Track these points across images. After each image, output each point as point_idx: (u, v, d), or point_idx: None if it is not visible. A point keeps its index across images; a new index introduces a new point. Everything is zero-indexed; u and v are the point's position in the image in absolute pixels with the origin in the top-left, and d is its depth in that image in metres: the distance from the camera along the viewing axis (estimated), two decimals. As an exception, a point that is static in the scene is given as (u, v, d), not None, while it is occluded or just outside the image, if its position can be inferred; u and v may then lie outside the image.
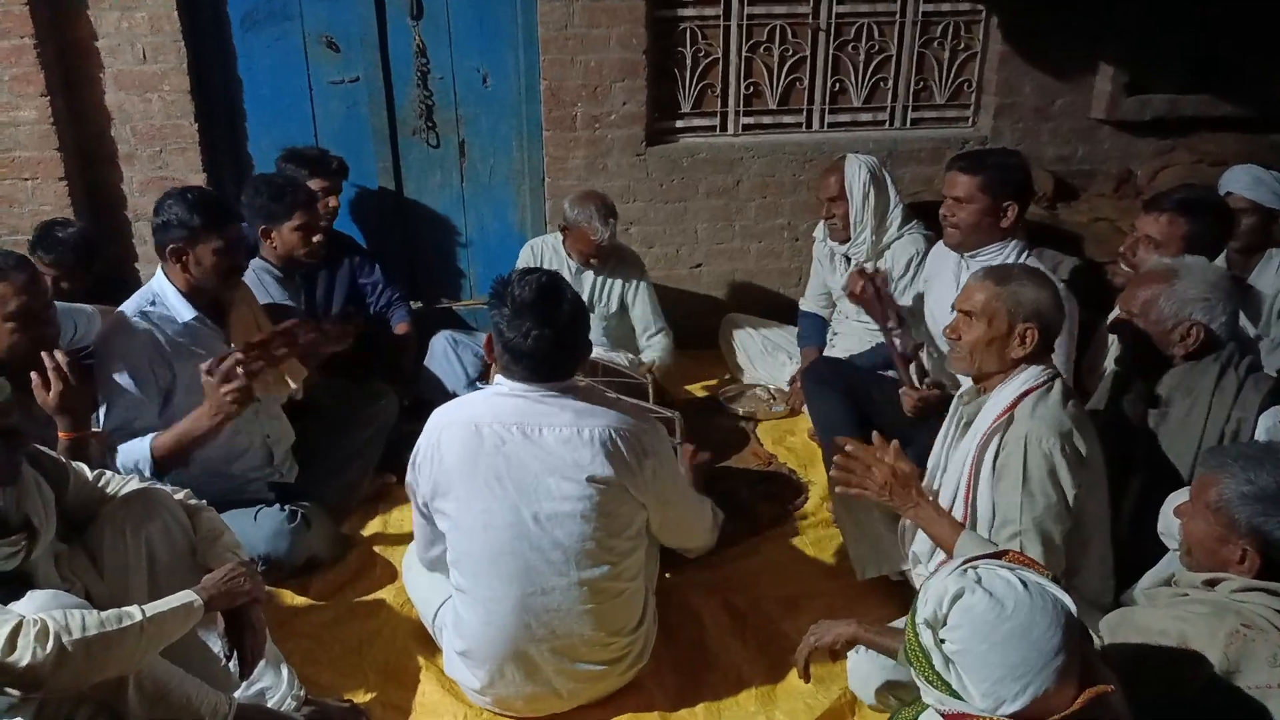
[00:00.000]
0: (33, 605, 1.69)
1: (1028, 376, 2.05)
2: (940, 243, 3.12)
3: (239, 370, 2.24)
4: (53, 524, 1.88)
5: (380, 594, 2.57)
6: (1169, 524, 1.99)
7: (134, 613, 1.72)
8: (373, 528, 2.90)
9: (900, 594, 2.42)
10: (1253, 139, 3.95)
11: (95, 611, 1.69)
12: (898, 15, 3.86)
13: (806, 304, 3.74)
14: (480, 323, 4.05)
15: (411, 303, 3.73)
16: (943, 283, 2.95)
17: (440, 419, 2.03)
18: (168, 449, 2.29)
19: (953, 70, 3.98)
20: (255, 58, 3.64)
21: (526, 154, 3.89)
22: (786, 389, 3.68)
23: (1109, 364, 2.85)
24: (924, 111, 4.04)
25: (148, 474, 2.30)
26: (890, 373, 3.35)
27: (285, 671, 2.12)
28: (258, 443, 2.69)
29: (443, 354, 3.54)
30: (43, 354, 2.14)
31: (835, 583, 2.59)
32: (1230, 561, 1.53)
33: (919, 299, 3.16)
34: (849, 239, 3.40)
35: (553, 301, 1.89)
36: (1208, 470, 1.58)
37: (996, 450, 2.02)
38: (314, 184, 3.29)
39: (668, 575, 2.51)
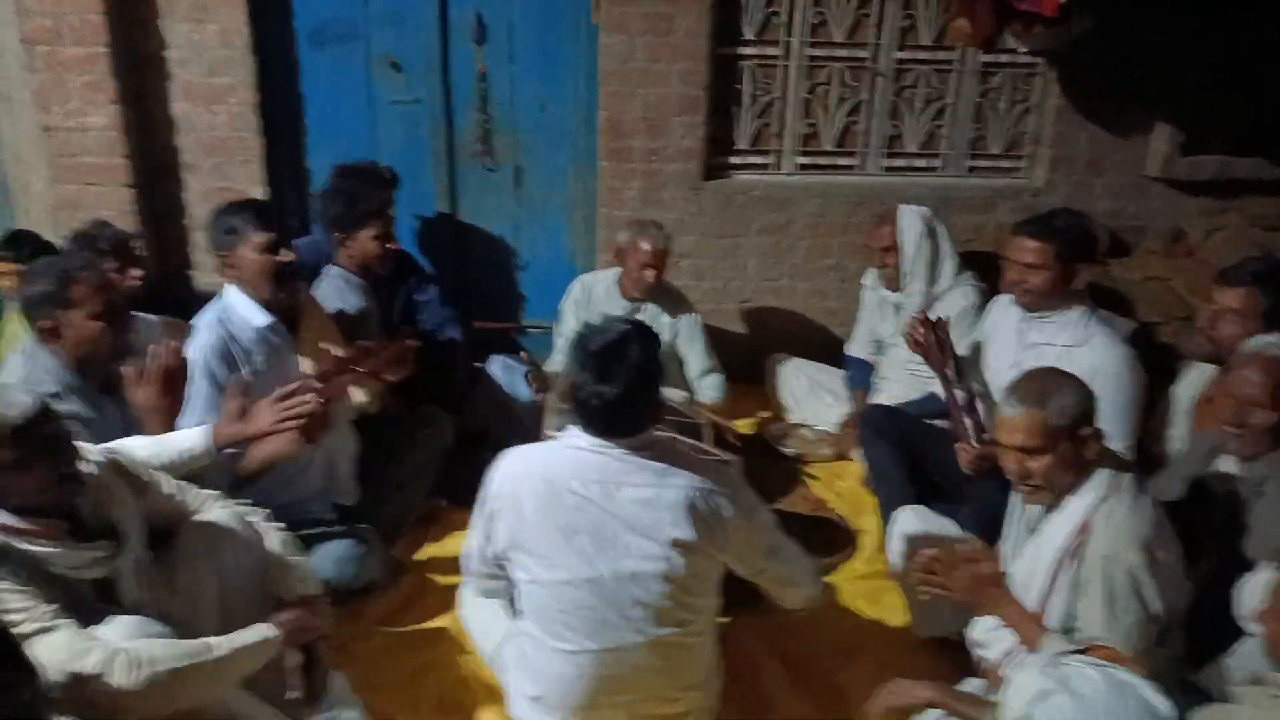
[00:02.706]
0: (121, 632, 1.69)
1: (1097, 485, 2.01)
2: (1001, 297, 3.12)
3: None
4: (139, 534, 1.89)
5: (436, 622, 2.57)
6: (1248, 606, 1.97)
7: (215, 645, 1.73)
8: (425, 552, 2.90)
9: (955, 654, 2.40)
10: (1307, 205, 3.96)
11: (180, 643, 1.70)
12: (956, 64, 3.88)
13: (854, 349, 3.74)
14: (533, 348, 4.06)
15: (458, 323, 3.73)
16: (1003, 339, 2.95)
17: (517, 468, 2.01)
18: (250, 471, 2.31)
19: (1010, 121, 3.99)
20: (320, 75, 3.68)
21: (582, 182, 3.91)
22: (831, 431, 3.68)
23: (1176, 423, 2.86)
24: (979, 160, 4.05)
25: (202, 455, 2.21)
26: (940, 422, 3.36)
27: (351, 702, 2.11)
28: (320, 458, 2.68)
29: (497, 375, 3.55)
30: (151, 347, 2.19)
31: (890, 635, 2.58)
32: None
33: (974, 349, 3.16)
34: (900, 288, 3.41)
35: (616, 359, 1.86)
36: None
37: (1075, 567, 1.99)
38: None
39: (723, 621, 2.50)
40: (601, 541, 1.90)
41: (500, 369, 3.60)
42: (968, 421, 2.76)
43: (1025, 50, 3.82)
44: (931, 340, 2.95)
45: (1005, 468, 2.11)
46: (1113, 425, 2.66)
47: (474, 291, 4.04)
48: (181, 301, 3.44)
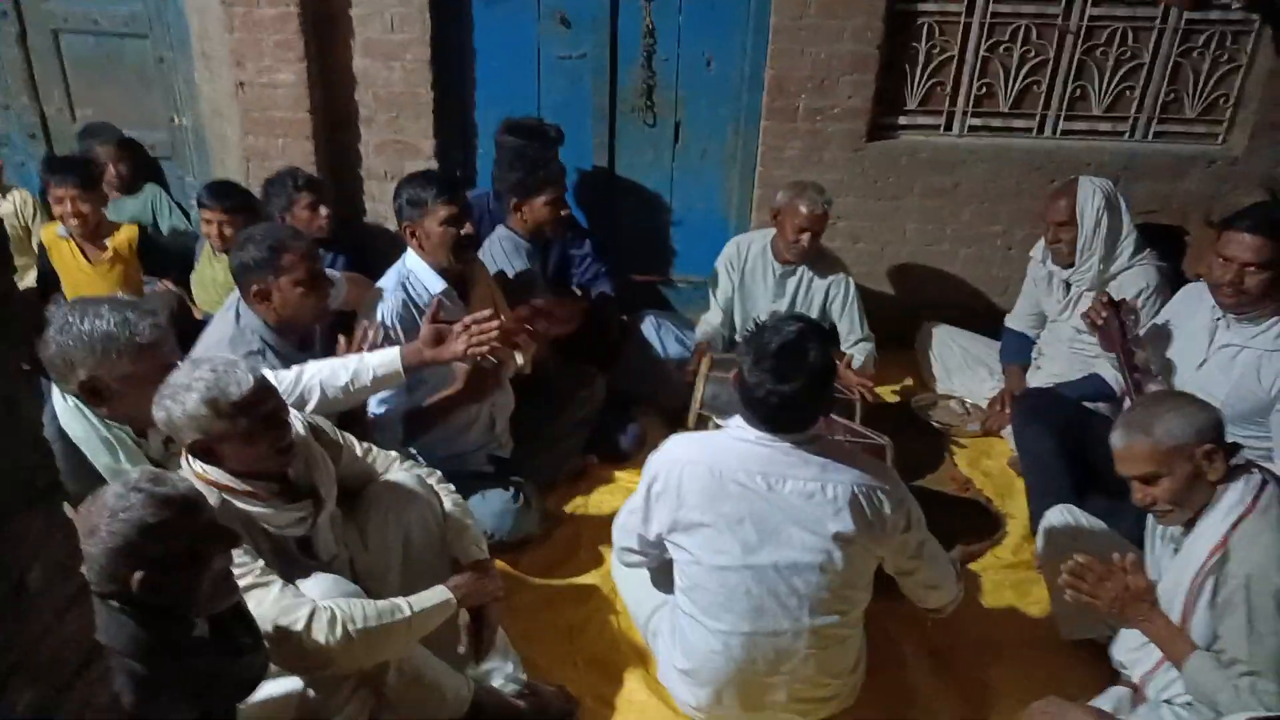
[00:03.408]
0: (319, 590, 1.88)
1: (1234, 499, 1.94)
2: (1192, 286, 2.94)
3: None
4: (334, 494, 2.07)
5: (587, 579, 2.71)
6: None
7: (403, 607, 1.89)
8: (575, 507, 3.04)
9: (1101, 658, 2.36)
10: None
11: (374, 603, 1.87)
12: (1158, 21, 3.59)
13: (1014, 321, 3.61)
14: (681, 303, 4.12)
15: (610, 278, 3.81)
16: (1192, 334, 2.78)
17: (681, 453, 2.07)
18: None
19: (1209, 82, 3.69)
20: (490, 31, 3.74)
21: (742, 140, 3.87)
22: (983, 405, 3.60)
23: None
24: (1170, 124, 3.77)
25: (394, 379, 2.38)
26: (1101, 406, 3.24)
27: (511, 655, 2.28)
28: (485, 413, 2.85)
29: (648, 333, 3.62)
30: (361, 325, 2.41)
31: (1037, 633, 2.55)
32: None
33: (1151, 337, 3.00)
34: (1073, 264, 3.25)
35: (794, 358, 1.89)
36: None
37: (1215, 585, 1.94)
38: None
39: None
40: (765, 532, 1.97)
41: (650, 326, 3.68)
42: (1134, 378, 2.66)
43: (1239, 5, 3.49)
44: (1114, 324, 2.83)
45: (1133, 497, 2.08)
46: None
47: (627, 246, 4.10)
48: (356, 245, 3.67)
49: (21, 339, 0.90)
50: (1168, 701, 2.13)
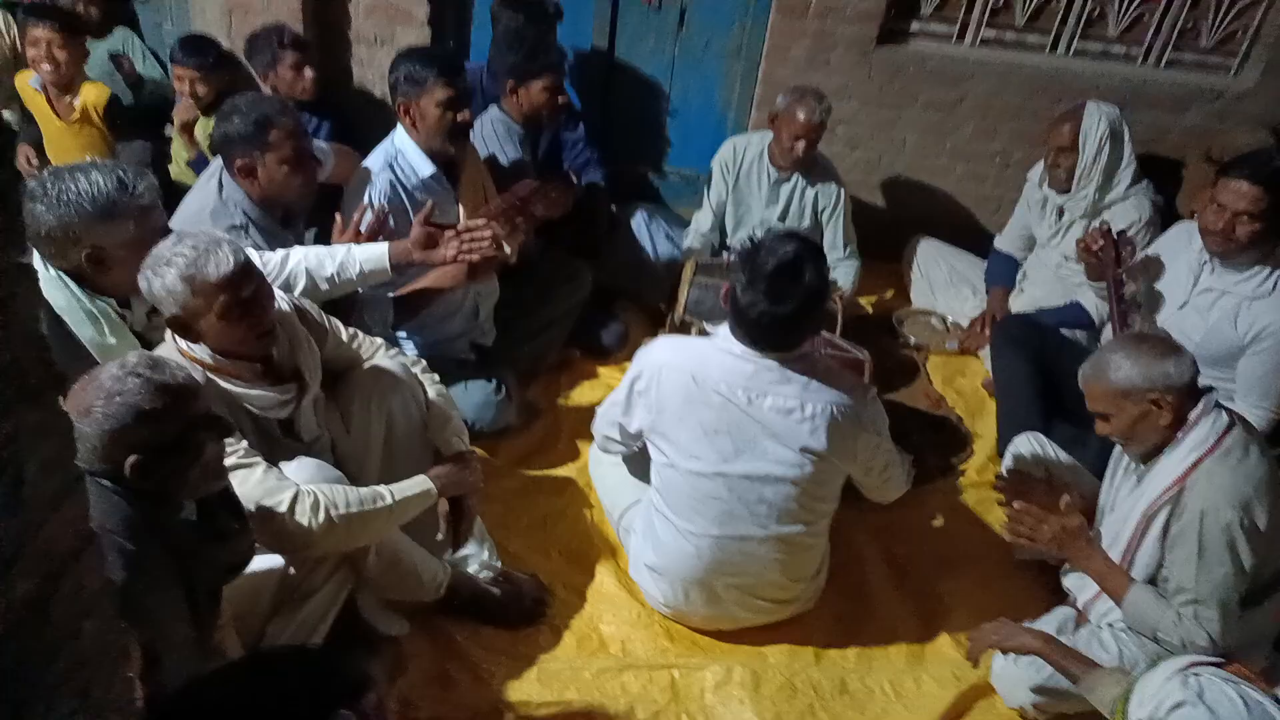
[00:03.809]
0: (303, 474, 1.89)
1: (1197, 438, 2.00)
2: (1184, 224, 2.94)
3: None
4: (318, 377, 2.07)
5: (565, 470, 2.76)
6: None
7: (384, 494, 1.92)
8: (555, 399, 3.07)
9: (1053, 578, 2.47)
10: None
11: (356, 490, 1.89)
12: (1187, -59, 3.47)
13: (1002, 243, 3.61)
14: (672, 196, 4.05)
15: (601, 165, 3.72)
16: (1177, 274, 2.80)
17: (666, 359, 2.09)
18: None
19: (1229, 14, 3.59)
20: (494, -111, 3.52)
21: (748, 35, 3.73)
22: (964, 324, 3.63)
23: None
24: (1184, 53, 3.69)
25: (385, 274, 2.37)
26: (1080, 333, 3.28)
27: (486, 542, 2.34)
28: (469, 300, 2.83)
29: (637, 229, 3.57)
30: (357, 213, 2.33)
31: (993, 550, 2.66)
32: None
33: (1138, 267, 3.00)
34: (1069, 190, 3.23)
35: (789, 280, 1.89)
36: None
37: (1167, 518, 2.02)
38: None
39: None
40: (741, 443, 2.01)
41: (641, 221, 3.62)
42: (1122, 311, 2.72)
43: (1268, -67, 3.37)
44: (1110, 254, 2.84)
45: (1096, 427, 2.17)
46: (1255, 389, 2.59)
47: (620, 134, 3.99)
48: (342, 111, 3.54)
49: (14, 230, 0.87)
50: (1110, 625, 2.25)
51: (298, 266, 2.22)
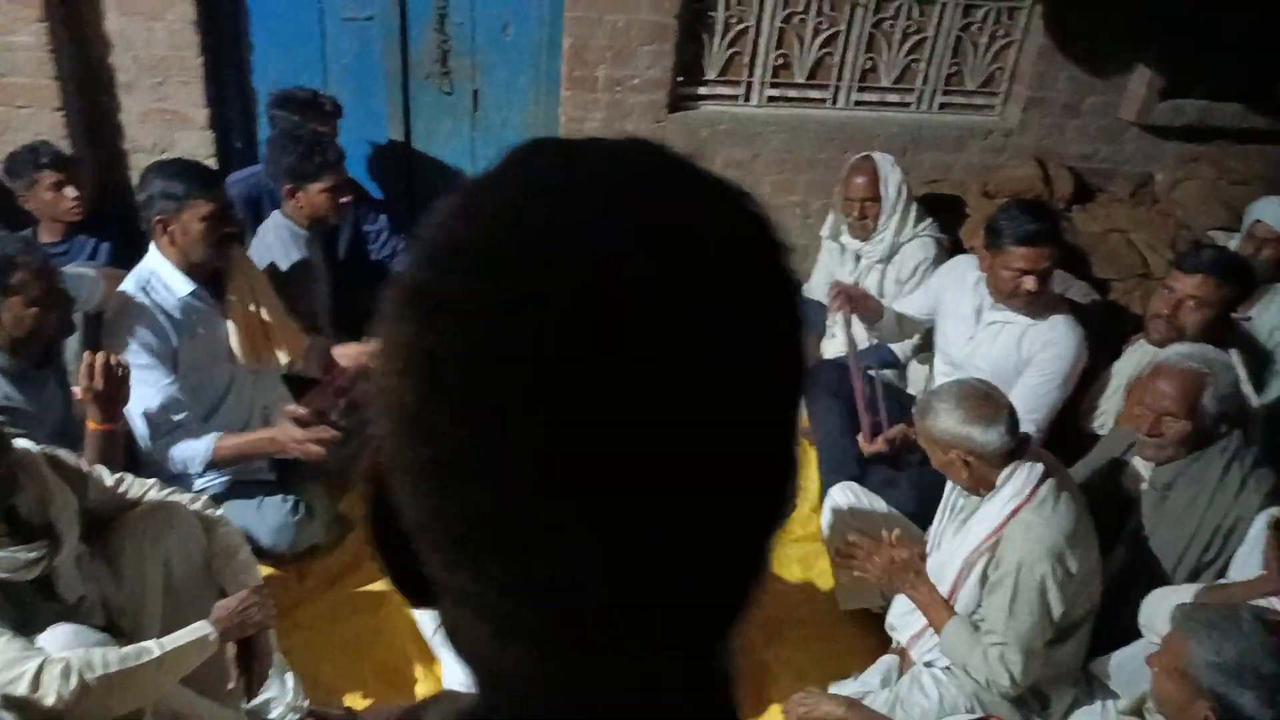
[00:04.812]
0: (58, 642, 1.74)
1: (1013, 489, 2.09)
2: (961, 258, 3.10)
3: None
4: (75, 530, 1.91)
5: (378, 586, 2.63)
6: (1150, 618, 2.08)
7: (151, 649, 1.78)
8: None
9: (878, 628, 2.52)
10: (1275, 157, 3.90)
11: (116, 648, 1.74)
12: (940, -4, 3.71)
13: (811, 291, 3.72)
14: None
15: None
16: (960, 310, 2.94)
17: None
18: (226, 457, 2.42)
19: (987, 56, 3.85)
20: (265, -12, 3.46)
21: (543, 109, 3.77)
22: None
23: (1109, 401, 2.91)
24: (953, 96, 3.93)
25: (196, 469, 2.42)
26: (889, 373, 3.41)
27: (290, 681, 2.20)
28: (256, 416, 2.70)
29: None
30: (86, 355, 2.14)
31: (817, 609, 2.68)
32: (1197, 720, 1.61)
33: (922, 303, 3.14)
34: (868, 238, 3.36)
35: None
36: (1178, 633, 1.65)
37: (986, 565, 2.11)
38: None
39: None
40: None
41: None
42: (866, 419, 2.85)
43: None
44: (848, 310, 3.03)
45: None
46: (1031, 399, 2.73)
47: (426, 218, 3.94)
48: (123, 228, 3.36)
49: None
50: (929, 664, 2.30)
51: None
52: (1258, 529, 2.13)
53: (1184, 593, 2.08)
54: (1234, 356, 2.50)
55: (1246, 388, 2.60)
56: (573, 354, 0.37)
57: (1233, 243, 3.20)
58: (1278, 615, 1.77)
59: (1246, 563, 2.15)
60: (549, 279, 0.38)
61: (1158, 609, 2.05)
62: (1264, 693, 1.51)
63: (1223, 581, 2.16)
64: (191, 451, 2.38)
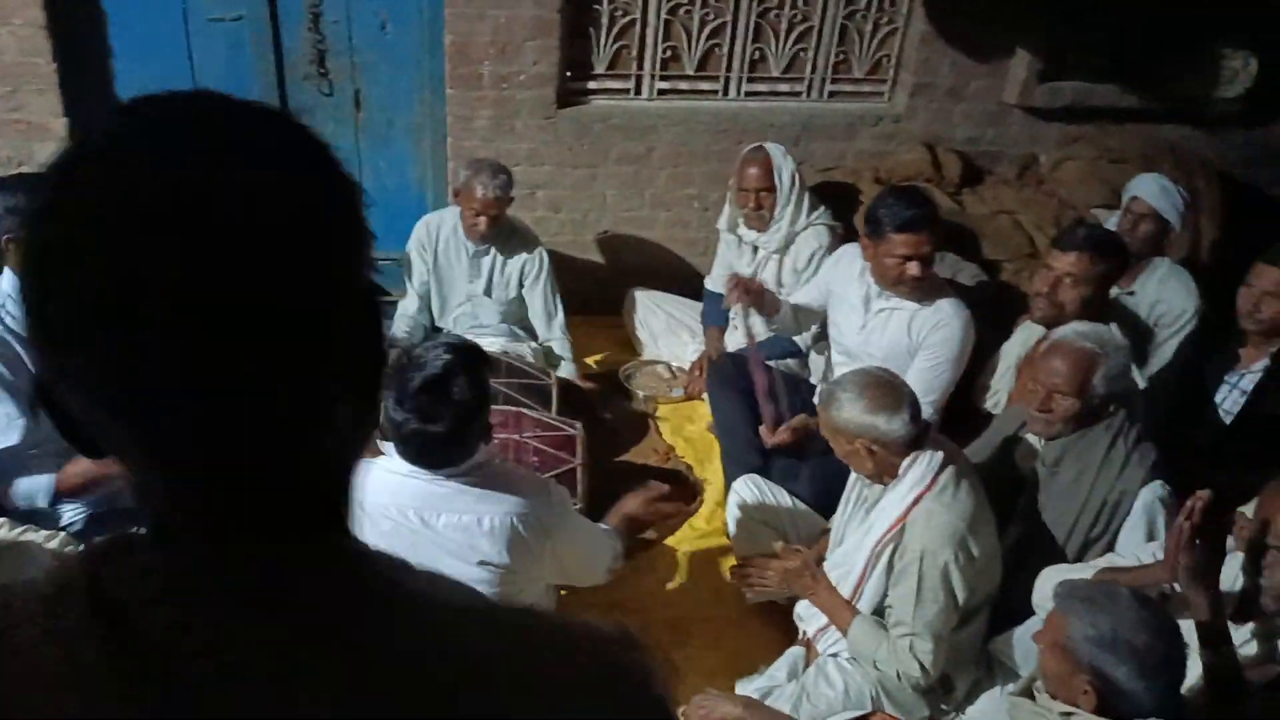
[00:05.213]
0: None
1: (915, 477, 2.10)
2: (847, 248, 3.11)
3: None
4: None
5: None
6: (1043, 597, 2.11)
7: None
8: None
9: (786, 620, 2.51)
10: (1151, 135, 4.03)
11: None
12: (823, -15, 3.72)
13: (712, 283, 3.71)
14: (386, 284, 3.89)
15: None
16: (850, 298, 2.96)
17: None
18: (73, 487, 2.26)
19: (873, 44, 3.88)
20: (122, -11, 3.27)
21: (430, 108, 3.67)
22: (687, 369, 3.68)
23: (1001, 380, 2.96)
24: (842, 84, 3.95)
25: (42, 503, 2.25)
26: (790, 362, 3.42)
27: None
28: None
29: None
30: None
31: (724, 606, 2.66)
32: (1078, 694, 1.63)
33: (815, 293, 3.15)
34: (766, 229, 3.35)
35: (440, 398, 1.76)
36: (1059, 610, 1.68)
37: (891, 554, 2.11)
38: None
39: (563, 593, 2.54)
40: (422, 564, 1.87)
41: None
42: (768, 410, 2.87)
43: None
44: (747, 303, 2.99)
45: None
46: (925, 382, 2.75)
47: (317, 225, 3.80)
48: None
49: None
50: (834, 655, 2.30)
51: None
52: (1142, 503, 2.18)
53: (1076, 571, 2.11)
54: (1114, 331, 2.56)
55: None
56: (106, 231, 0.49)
57: (1113, 220, 3.28)
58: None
59: (1130, 536, 2.20)
60: (74, 181, 0.51)
61: (1048, 588, 2.07)
62: (1138, 665, 1.53)
63: (1119, 565, 2.19)
64: (36, 485, 2.23)
